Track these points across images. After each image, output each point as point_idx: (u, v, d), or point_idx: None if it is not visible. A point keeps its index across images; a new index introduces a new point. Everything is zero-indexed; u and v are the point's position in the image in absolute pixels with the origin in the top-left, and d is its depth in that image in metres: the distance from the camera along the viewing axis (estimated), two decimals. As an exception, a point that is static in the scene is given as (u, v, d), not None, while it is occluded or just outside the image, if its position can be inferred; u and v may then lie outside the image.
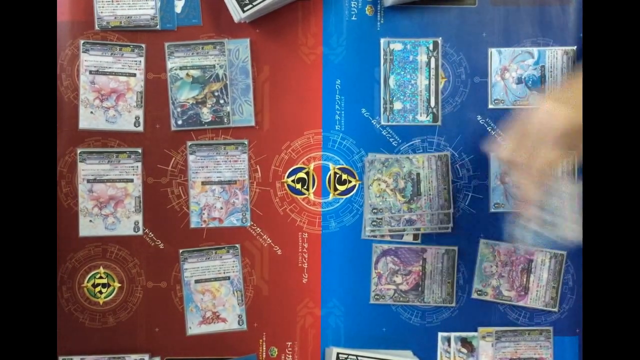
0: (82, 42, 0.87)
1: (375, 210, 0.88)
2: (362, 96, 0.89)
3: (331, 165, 0.90)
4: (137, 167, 0.88)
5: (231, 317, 0.89)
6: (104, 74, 0.88)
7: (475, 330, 0.90)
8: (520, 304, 0.90)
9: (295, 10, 0.89)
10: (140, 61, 0.88)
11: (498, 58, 0.89)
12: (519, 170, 0.72)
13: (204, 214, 0.89)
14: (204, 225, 0.89)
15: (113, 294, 0.89)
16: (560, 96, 0.74)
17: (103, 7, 0.87)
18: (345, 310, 0.89)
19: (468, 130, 0.89)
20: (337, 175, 0.90)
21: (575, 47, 0.89)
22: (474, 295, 0.90)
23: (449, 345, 0.89)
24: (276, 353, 0.89)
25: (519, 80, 0.89)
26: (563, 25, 0.89)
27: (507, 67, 0.89)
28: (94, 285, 0.88)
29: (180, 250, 0.88)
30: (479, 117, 0.89)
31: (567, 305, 0.90)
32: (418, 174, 0.88)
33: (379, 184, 0.88)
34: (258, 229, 0.89)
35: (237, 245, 0.89)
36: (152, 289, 0.88)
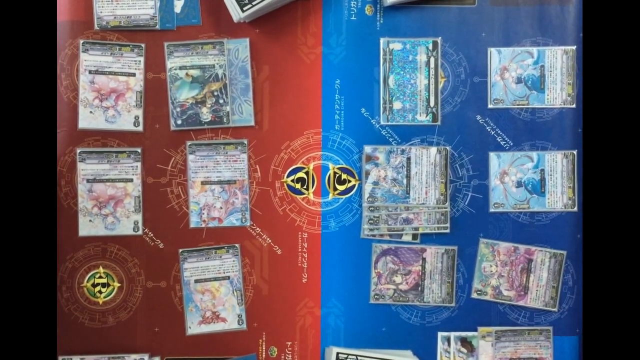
0: (81, 41, 0.87)
1: (372, 208, 0.88)
2: (362, 96, 0.89)
3: (331, 165, 0.90)
4: (137, 166, 0.88)
5: (231, 317, 0.89)
6: (104, 73, 0.87)
7: (475, 330, 0.90)
8: (520, 303, 0.90)
9: (295, 10, 0.89)
10: (139, 61, 0.88)
11: (498, 58, 0.89)
12: None
13: (203, 213, 0.89)
14: (203, 225, 0.89)
15: (113, 294, 0.88)
16: None
17: (102, 7, 0.87)
18: (345, 310, 0.89)
19: (468, 130, 0.89)
20: (337, 175, 0.90)
21: (575, 47, 0.89)
22: (474, 295, 0.90)
23: (449, 345, 0.89)
24: (276, 353, 0.89)
25: (519, 80, 0.89)
26: (563, 25, 0.89)
27: (506, 66, 0.89)
28: (94, 285, 0.88)
29: (180, 250, 0.88)
30: (478, 117, 0.89)
31: (567, 305, 0.90)
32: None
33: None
34: (258, 228, 0.89)
35: (236, 245, 0.89)
36: (152, 288, 0.88)
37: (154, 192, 0.88)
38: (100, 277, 0.88)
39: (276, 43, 0.89)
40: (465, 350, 0.90)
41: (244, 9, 0.84)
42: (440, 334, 0.89)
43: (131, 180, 0.88)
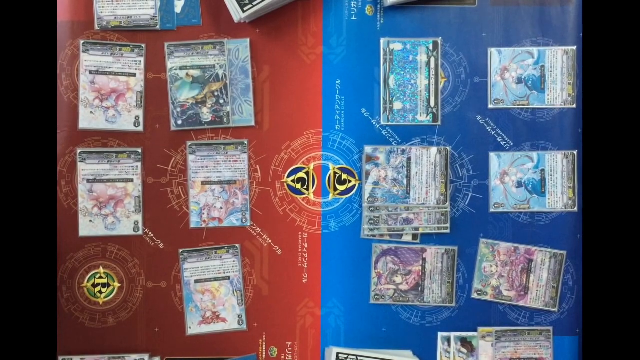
0: (82, 42, 0.87)
1: (372, 208, 0.88)
2: (362, 96, 0.89)
3: (331, 165, 0.90)
4: (137, 167, 0.88)
5: (231, 317, 0.89)
6: (104, 73, 0.88)
7: (475, 330, 0.90)
8: (520, 304, 0.90)
9: (295, 10, 0.89)
10: (140, 61, 0.88)
11: (498, 58, 0.89)
12: None
13: (203, 213, 0.89)
14: (203, 225, 0.89)
15: (113, 294, 0.88)
16: None
17: (103, 7, 0.87)
18: (345, 310, 0.89)
19: (468, 130, 0.89)
20: (337, 175, 0.90)
21: (575, 47, 0.89)
22: (474, 295, 0.90)
23: (449, 345, 0.89)
24: (276, 353, 0.89)
25: (519, 80, 0.89)
26: (563, 25, 0.89)
27: (507, 67, 0.89)
28: (94, 285, 0.88)
29: (180, 250, 0.88)
30: (478, 117, 0.89)
31: (567, 305, 0.90)
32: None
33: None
34: (258, 228, 0.89)
35: (237, 245, 0.89)
36: (152, 289, 0.88)
37: (154, 193, 0.88)
38: (101, 277, 0.88)
39: (276, 43, 0.89)
40: (465, 351, 0.90)
41: (245, 9, 0.84)
42: (440, 334, 0.89)
43: (131, 180, 0.88)
